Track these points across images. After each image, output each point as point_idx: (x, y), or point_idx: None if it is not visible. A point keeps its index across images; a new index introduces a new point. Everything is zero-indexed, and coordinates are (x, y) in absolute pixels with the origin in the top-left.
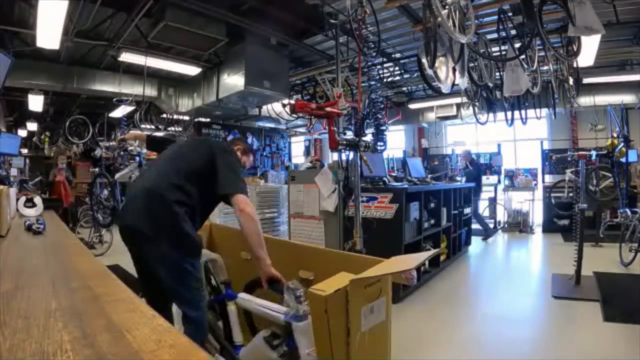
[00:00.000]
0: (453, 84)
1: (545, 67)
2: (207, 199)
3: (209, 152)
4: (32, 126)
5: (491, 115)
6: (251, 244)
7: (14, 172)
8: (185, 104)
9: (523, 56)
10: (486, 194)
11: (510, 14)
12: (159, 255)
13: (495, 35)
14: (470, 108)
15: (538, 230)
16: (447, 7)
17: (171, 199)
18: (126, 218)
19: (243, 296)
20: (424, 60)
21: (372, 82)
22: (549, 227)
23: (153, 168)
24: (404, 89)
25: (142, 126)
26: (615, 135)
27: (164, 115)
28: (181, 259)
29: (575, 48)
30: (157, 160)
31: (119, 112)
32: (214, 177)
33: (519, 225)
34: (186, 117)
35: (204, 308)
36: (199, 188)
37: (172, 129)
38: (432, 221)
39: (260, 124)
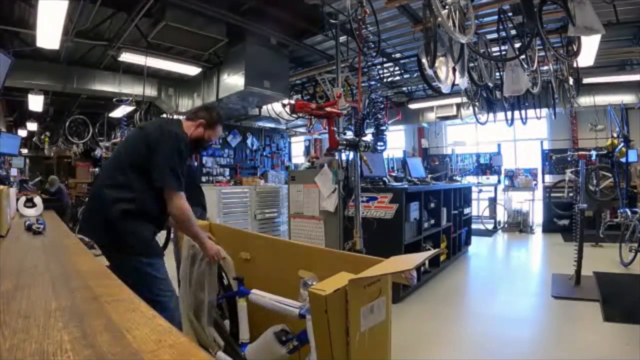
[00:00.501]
0: (453, 84)
1: (545, 67)
2: (156, 189)
3: (147, 140)
4: (32, 126)
5: (491, 115)
6: (189, 236)
7: (14, 172)
8: (185, 104)
9: (523, 56)
10: (486, 193)
11: (510, 14)
12: (118, 262)
13: (495, 35)
14: (470, 108)
15: (538, 230)
16: (447, 7)
17: (110, 199)
18: (82, 229)
19: (256, 292)
20: (424, 60)
21: (372, 82)
22: (549, 227)
23: (102, 168)
24: (404, 89)
25: None
26: (615, 135)
27: (164, 115)
28: (137, 262)
29: (575, 48)
30: (108, 158)
31: (119, 112)
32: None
33: (519, 225)
34: None
35: (172, 307)
36: (143, 180)
37: None
38: (432, 221)
39: (260, 124)
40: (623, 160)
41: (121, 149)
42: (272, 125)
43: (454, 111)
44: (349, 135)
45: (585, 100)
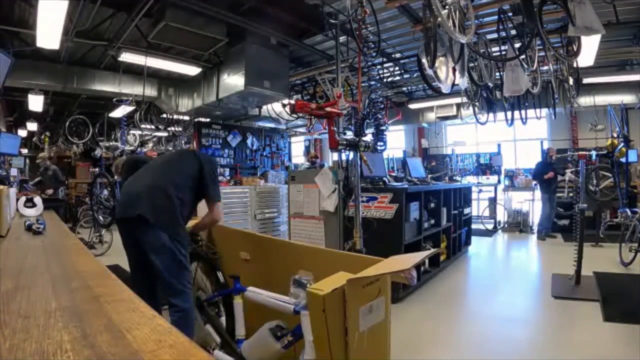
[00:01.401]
0: (453, 84)
1: (545, 67)
2: (195, 198)
3: (198, 161)
4: (32, 126)
5: (491, 115)
6: (203, 228)
7: (14, 172)
8: (185, 104)
9: (523, 56)
10: (486, 193)
11: (510, 14)
12: (159, 244)
13: (495, 35)
14: (470, 108)
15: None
16: (447, 7)
17: (172, 193)
18: (129, 210)
19: (252, 289)
20: (424, 60)
21: (372, 82)
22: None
23: (150, 170)
24: (404, 89)
25: (142, 126)
26: (615, 135)
27: (164, 115)
28: (177, 249)
29: (575, 48)
30: (151, 166)
31: (119, 112)
32: (202, 182)
33: (519, 225)
34: (186, 117)
35: (192, 301)
36: (191, 188)
37: (172, 129)
38: (432, 221)
39: (260, 124)
40: (623, 160)
41: (175, 159)
42: (272, 125)
43: (454, 111)
44: (349, 135)
45: (585, 100)
